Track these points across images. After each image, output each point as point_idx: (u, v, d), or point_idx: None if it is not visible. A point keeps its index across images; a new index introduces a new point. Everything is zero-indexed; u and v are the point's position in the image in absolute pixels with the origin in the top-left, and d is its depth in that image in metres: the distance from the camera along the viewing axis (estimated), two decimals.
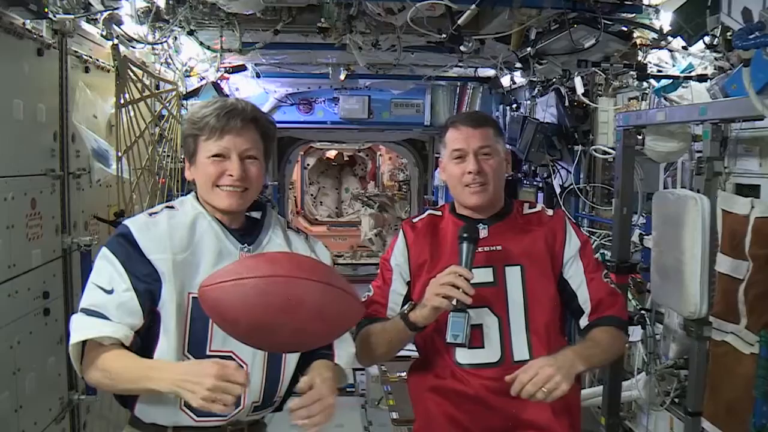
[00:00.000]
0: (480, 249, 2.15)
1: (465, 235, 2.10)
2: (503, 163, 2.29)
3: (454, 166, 2.25)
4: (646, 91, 3.86)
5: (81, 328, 1.81)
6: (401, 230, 2.37)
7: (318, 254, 2.11)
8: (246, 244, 1.97)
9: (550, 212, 2.33)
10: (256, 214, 2.07)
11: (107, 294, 1.82)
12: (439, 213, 2.38)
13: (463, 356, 2.17)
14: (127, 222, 1.94)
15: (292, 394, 2.04)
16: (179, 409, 1.87)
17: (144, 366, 1.80)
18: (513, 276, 2.20)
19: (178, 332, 1.85)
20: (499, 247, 2.22)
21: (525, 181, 5.75)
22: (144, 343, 1.86)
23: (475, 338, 2.11)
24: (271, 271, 1.70)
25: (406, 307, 2.17)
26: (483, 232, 2.22)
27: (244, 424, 1.97)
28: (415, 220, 2.39)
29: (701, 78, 3.34)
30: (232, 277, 1.67)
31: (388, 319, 2.23)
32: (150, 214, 1.96)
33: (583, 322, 2.22)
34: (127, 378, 1.79)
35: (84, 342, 1.82)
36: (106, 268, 1.85)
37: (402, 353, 2.29)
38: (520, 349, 2.15)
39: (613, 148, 4.07)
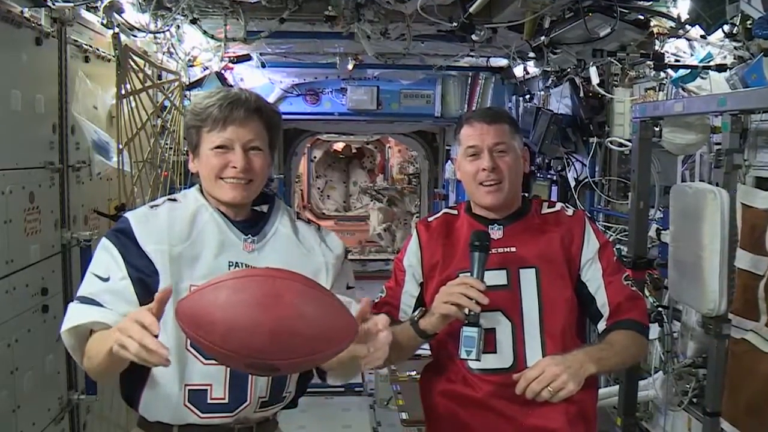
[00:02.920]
0: (493, 250, 2.09)
1: (476, 243, 2.04)
2: (520, 161, 2.23)
3: (468, 163, 2.19)
4: (664, 82, 3.80)
5: (72, 316, 1.81)
6: (415, 230, 2.34)
7: (329, 245, 2.06)
8: (250, 235, 1.95)
9: (569, 212, 2.26)
10: (264, 208, 2.04)
11: (103, 282, 1.82)
12: (455, 212, 2.33)
13: (475, 361, 2.10)
14: (127, 214, 1.94)
15: (305, 390, 2.03)
16: (183, 405, 1.84)
17: (106, 333, 1.73)
18: (527, 279, 2.14)
19: (177, 326, 1.77)
20: (513, 249, 2.16)
21: (538, 175, 5.69)
22: None
23: (488, 343, 2.05)
24: (248, 272, 1.69)
25: (416, 313, 2.12)
26: (498, 233, 2.18)
27: (253, 422, 1.92)
28: (430, 219, 2.35)
29: (720, 68, 3.27)
30: (209, 284, 1.63)
31: (401, 322, 2.19)
32: (151, 206, 1.96)
33: (601, 326, 2.16)
34: (97, 351, 1.74)
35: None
36: (104, 258, 1.86)
37: None
38: (534, 355, 2.08)
39: (629, 140, 4.07)
